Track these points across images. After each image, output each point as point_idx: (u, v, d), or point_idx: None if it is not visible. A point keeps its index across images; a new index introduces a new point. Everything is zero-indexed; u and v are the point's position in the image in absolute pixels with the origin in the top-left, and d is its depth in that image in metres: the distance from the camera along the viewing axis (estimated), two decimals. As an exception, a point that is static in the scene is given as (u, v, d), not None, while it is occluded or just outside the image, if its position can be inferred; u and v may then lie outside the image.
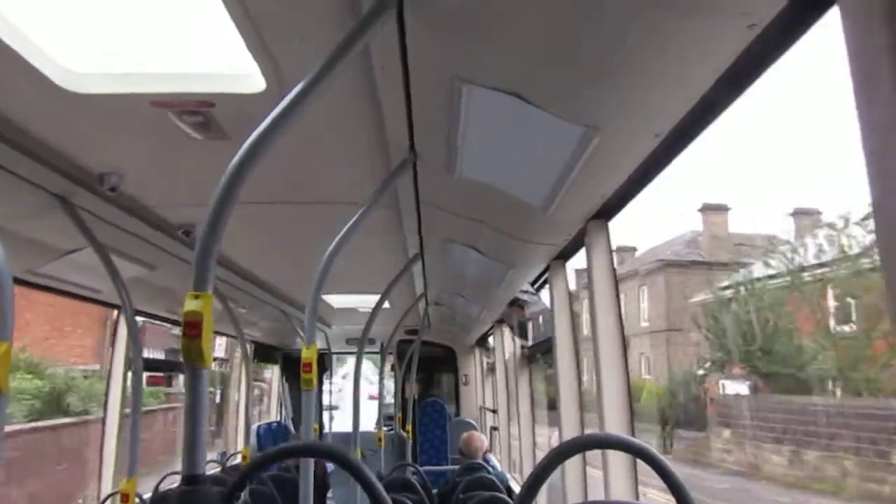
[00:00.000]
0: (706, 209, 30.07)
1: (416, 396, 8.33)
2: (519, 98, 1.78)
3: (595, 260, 2.75)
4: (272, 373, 9.89)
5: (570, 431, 3.49)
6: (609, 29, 1.47)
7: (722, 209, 30.01)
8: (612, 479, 2.51)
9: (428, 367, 9.38)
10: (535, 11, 1.48)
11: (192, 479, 1.36)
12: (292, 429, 9.04)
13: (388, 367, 9.12)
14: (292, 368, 9.28)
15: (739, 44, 1.41)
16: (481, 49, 1.67)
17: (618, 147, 1.95)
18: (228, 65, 2.04)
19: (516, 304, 5.38)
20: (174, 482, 5.41)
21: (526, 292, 5.00)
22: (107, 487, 4.67)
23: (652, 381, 26.92)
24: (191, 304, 1.41)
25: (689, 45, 1.45)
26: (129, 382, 4.84)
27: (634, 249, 34.01)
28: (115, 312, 4.99)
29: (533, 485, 1.40)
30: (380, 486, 1.38)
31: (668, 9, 1.33)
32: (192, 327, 1.39)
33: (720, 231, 29.52)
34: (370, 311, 4.22)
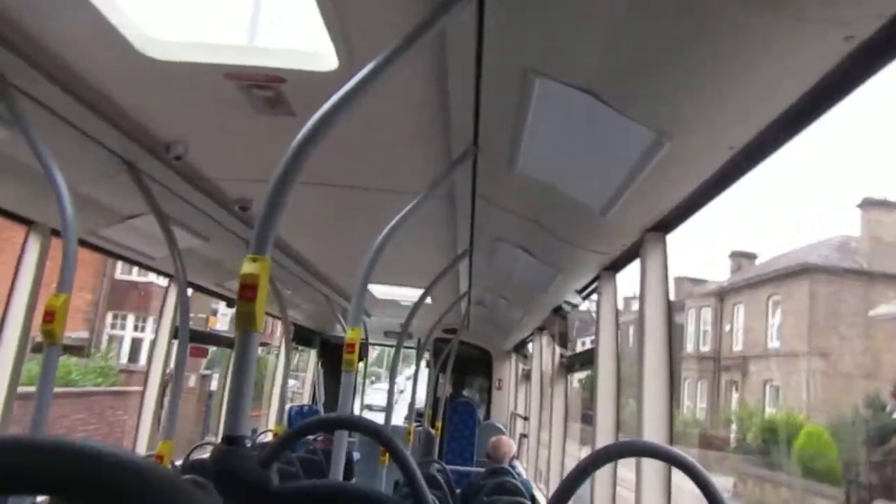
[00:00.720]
0: (869, 205, 23.05)
1: (448, 396, 8.32)
2: (592, 96, 1.75)
3: (649, 272, 2.68)
4: (308, 360, 10.00)
5: (604, 440, 3.43)
6: (694, 31, 1.42)
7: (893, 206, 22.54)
8: (646, 490, 2.45)
9: (462, 368, 9.36)
10: (619, 8, 1.45)
11: (232, 439, 1.37)
12: (322, 413, 9.12)
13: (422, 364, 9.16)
14: (329, 354, 9.38)
15: (833, 56, 1.35)
16: (559, 42, 1.64)
17: (688, 156, 1.90)
18: (303, 41, 2.07)
19: (560, 312, 5.31)
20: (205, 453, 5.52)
21: (570, 302, 4.94)
22: (141, 449, 4.79)
23: (800, 417, 20.55)
24: (248, 267, 1.43)
25: (778, 54, 1.40)
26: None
27: (754, 256, 28.39)
28: (165, 281, 5.11)
29: (572, 484, 1.37)
30: (413, 464, 1.37)
31: (759, 14, 1.28)
32: (248, 290, 1.40)
33: (888, 233, 22.27)
34: (411, 304, 4.23)
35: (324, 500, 1.32)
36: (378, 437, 1.43)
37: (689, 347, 28.11)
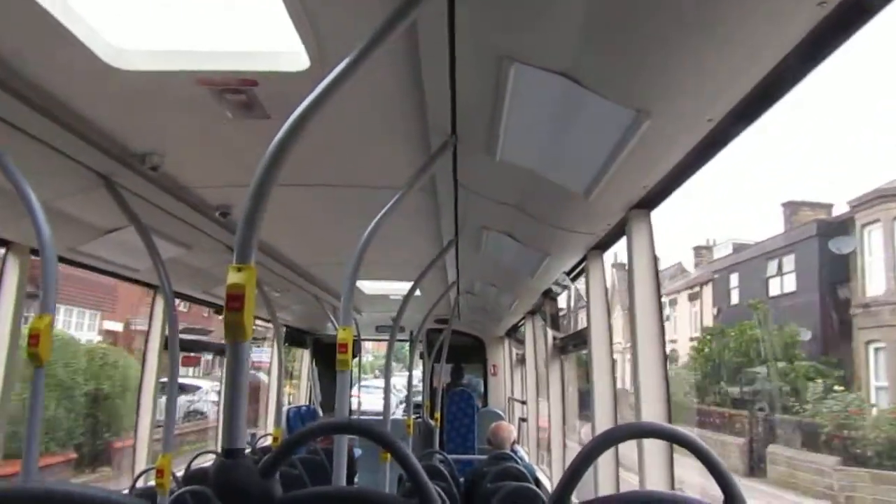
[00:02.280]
0: None
1: (444, 386, 8.34)
2: (568, 79, 1.74)
3: (636, 250, 2.69)
4: (302, 362, 9.97)
5: (603, 423, 3.45)
6: (666, 5, 1.41)
7: None
8: (648, 470, 2.46)
9: (456, 357, 9.37)
10: None
11: (231, 452, 1.35)
12: (320, 412, 9.11)
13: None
14: (322, 353, 9.36)
15: (806, 24, 1.35)
16: (532, 27, 1.63)
17: (668, 132, 1.90)
18: (273, 43, 2.03)
19: (549, 295, 5.32)
20: (207, 461, 5.49)
21: (559, 283, 4.95)
22: (141, 464, 4.75)
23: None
24: (233, 277, 1.41)
25: (751, 24, 1.39)
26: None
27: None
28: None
29: (577, 469, 1.37)
30: (418, 465, 1.36)
31: None
32: (235, 300, 1.39)
33: None
34: (401, 298, 4.21)
35: None
36: (377, 438, 1.42)
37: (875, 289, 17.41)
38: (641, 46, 1.57)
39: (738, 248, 27.04)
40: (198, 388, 18.52)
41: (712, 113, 1.75)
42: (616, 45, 1.60)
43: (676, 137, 1.95)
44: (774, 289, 22.82)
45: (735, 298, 25.38)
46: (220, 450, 1.41)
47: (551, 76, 1.76)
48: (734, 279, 25.81)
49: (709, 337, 23.68)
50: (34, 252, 3.38)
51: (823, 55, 1.44)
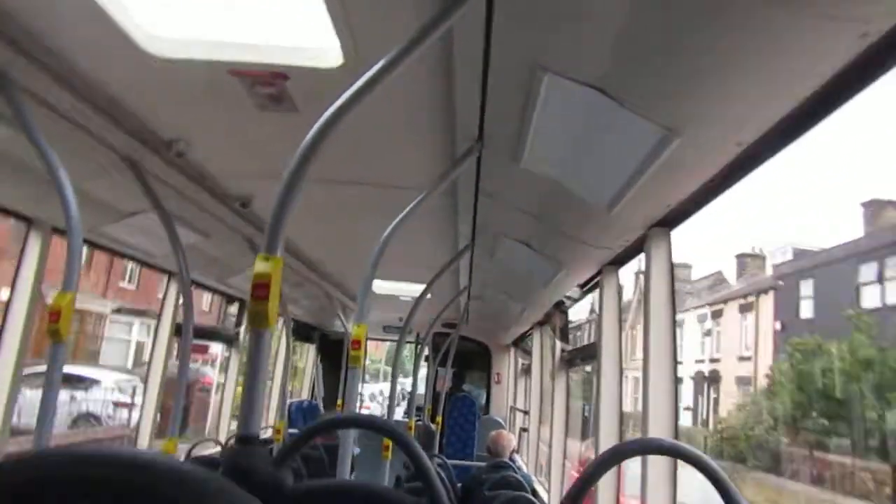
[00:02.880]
0: None
1: (447, 390, 8.33)
2: (600, 92, 1.74)
3: (654, 268, 2.68)
4: (307, 355, 10.00)
5: (608, 439, 3.43)
6: (705, 26, 1.42)
7: None
8: (651, 487, 2.45)
9: (461, 363, 9.37)
10: (628, 3, 1.44)
11: (246, 439, 1.36)
12: (322, 408, 9.13)
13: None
14: (328, 349, 9.37)
15: (846, 54, 1.34)
16: (568, 38, 1.64)
17: (695, 153, 1.90)
18: (308, 38, 2.05)
19: (560, 307, 5.32)
20: (207, 449, 5.51)
21: (571, 297, 4.94)
22: (143, 447, 4.78)
23: None
24: (261, 266, 1.43)
25: (790, 51, 1.39)
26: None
27: None
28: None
29: (585, 483, 1.37)
30: (427, 460, 1.37)
31: (774, 10, 1.28)
32: (261, 289, 1.40)
33: None
34: (410, 299, 4.22)
35: (337, 500, 1.32)
36: (394, 436, 1.43)
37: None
38: (676, 66, 1.57)
39: (799, 254, 23.61)
40: (95, 381, 15.20)
41: (741, 138, 1.75)
42: (651, 63, 1.61)
43: (703, 159, 1.94)
44: (872, 298, 18.41)
45: (808, 310, 21.43)
46: (222, 438, 1.42)
47: (583, 89, 1.77)
48: (806, 287, 21.69)
49: (798, 355, 18.57)
50: (56, 231, 3.41)
51: (861, 86, 1.43)
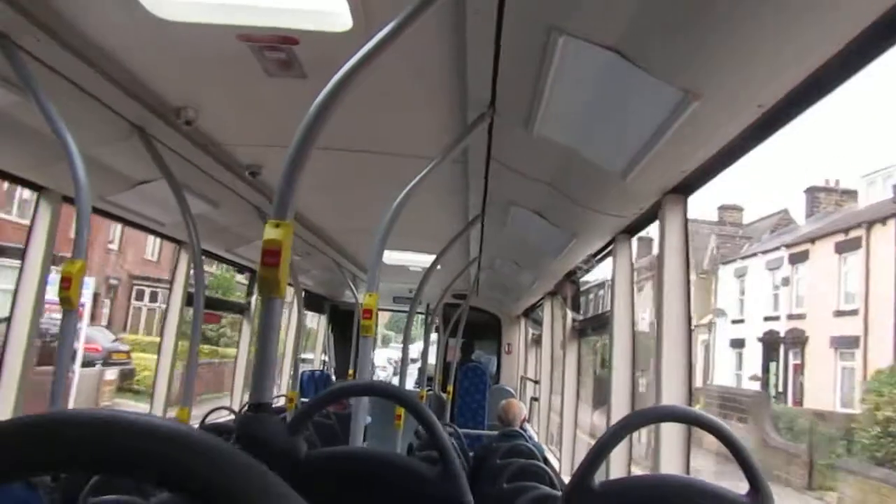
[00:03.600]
0: None
1: (458, 360, 8.37)
2: (617, 54, 1.69)
3: (668, 235, 2.64)
4: (318, 325, 10.06)
5: (620, 411, 3.43)
6: None
7: None
8: (665, 454, 2.45)
9: (472, 333, 9.40)
10: None
11: (259, 406, 1.36)
12: (334, 378, 9.21)
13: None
14: (339, 319, 9.43)
15: (871, 13, 1.29)
16: (585, -1, 1.59)
17: (715, 116, 1.85)
18: (316, 1, 2.01)
19: (572, 276, 5.29)
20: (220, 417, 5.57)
21: (582, 267, 4.91)
22: (158, 414, 4.84)
23: None
24: (271, 233, 1.41)
25: (813, 11, 1.34)
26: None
27: None
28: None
29: (603, 448, 1.36)
30: (444, 433, 1.36)
31: None
32: (271, 255, 1.38)
33: None
34: (420, 270, 4.21)
35: (352, 467, 1.32)
36: (408, 404, 1.42)
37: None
38: (696, 25, 1.52)
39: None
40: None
41: (763, 98, 1.70)
42: (670, 23, 1.56)
43: (722, 122, 1.89)
44: None
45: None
46: (235, 406, 1.42)
47: (599, 50, 1.72)
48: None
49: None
50: (66, 199, 3.41)
51: (887, 45, 1.38)
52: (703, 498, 1.30)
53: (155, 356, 5.10)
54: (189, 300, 4.64)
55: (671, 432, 2.43)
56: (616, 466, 3.32)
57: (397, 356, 15.61)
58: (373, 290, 2.65)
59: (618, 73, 1.78)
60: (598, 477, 1.38)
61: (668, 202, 2.62)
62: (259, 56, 2.27)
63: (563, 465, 5.77)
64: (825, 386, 18.13)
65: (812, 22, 1.40)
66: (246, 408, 1.48)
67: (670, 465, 2.40)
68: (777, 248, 22.12)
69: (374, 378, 12.44)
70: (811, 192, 23.25)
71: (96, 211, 3.81)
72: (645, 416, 1.47)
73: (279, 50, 2.22)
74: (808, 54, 1.51)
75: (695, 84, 1.68)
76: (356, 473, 1.30)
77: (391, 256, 6.39)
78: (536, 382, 8.16)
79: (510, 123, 2.50)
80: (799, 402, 19.05)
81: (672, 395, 2.44)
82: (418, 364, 9.27)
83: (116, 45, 2.26)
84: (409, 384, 10.21)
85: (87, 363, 15.00)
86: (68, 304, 2.20)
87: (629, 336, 3.43)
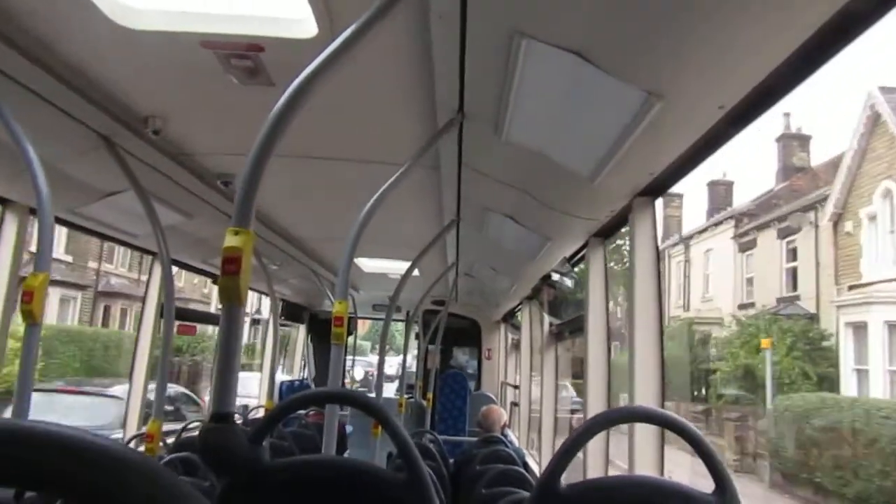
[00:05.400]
0: None
1: (437, 367, 8.36)
2: (579, 57, 1.70)
3: (638, 238, 2.67)
4: (297, 335, 10.00)
5: (596, 408, 3.44)
6: None
7: None
8: (639, 454, 2.46)
9: (452, 339, 9.39)
10: None
11: (220, 416, 1.34)
12: (314, 387, 9.14)
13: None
14: (318, 328, 9.37)
15: (826, 11, 1.32)
16: (546, 2, 1.60)
17: (678, 117, 1.87)
18: (281, 8, 2.00)
19: (548, 280, 5.31)
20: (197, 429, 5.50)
21: (558, 270, 4.93)
22: (131, 429, 4.77)
23: None
24: (231, 240, 1.39)
25: (770, 9, 1.36)
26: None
27: None
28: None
29: (568, 450, 1.36)
30: (406, 434, 1.35)
31: None
32: (231, 263, 1.37)
33: None
34: (398, 277, 4.20)
35: (315, 474, 1.30)
36: (368, 409, 1.41)
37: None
38: (656, 26, 1.53)
39: None
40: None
41: (724, 99, 1.72)
42: (631, 24, 1.57)
43: (687, 123, 1.92)
44: None
45: None
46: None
47: (563, 54, 1.73)
48: None
49: None
50: (33, 212, 3.35)
51: (844, 43, 1.41)
52: (667, 498, 1.30)
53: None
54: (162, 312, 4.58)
55: (645, 433, 2.44)
56: (594, 468, 3.33)
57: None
58: (344, 297, 2.63)
59: (582, 77, 1.79)
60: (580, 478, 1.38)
61: (637, 205, 2.65)
62: (225, 64, 2.25)
63: (543, 468, 5.78)
64: None
65: (768, 23, 1.42)
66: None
67: (644, 467, 2.41)
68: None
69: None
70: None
71: (65, 223, 3.76)
72: (611, 418, 1.47)
73: (245, 58, 2.20)
74: (765, 55, 1.53)
75: (657, 86, 1.70)
76: (319, 481, 1.28)
77: (370, 264, 6.38)
78: (516, 387, 8.17)
79: (480, 128, 2.51)
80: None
81: (644, 395, 2.45)
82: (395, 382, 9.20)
83: (80, 56, 2.24)
84: (390, 392, 10.19)
85: None
86: (31, 317, 2.16)
87: (603, 337, 3.45)
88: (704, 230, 24.29)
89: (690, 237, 25.04)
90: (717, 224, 23.17)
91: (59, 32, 2.09)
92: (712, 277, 23.32)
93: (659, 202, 2.70)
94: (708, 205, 25.98)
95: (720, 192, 25.66)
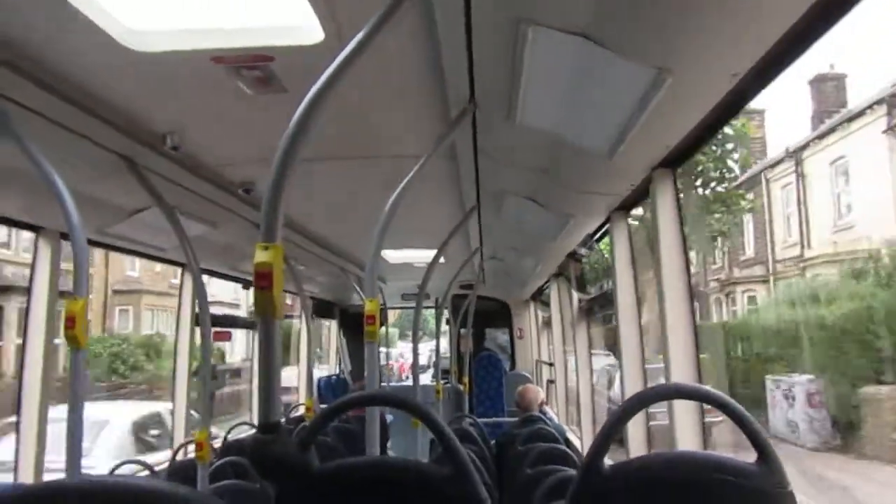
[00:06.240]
0: None
1: (471, 350, 8.40)
2: (586, 39, 1.70)
3: (661, 209, 2.66)
4: (330, 331, 10.11)
5: (632, 387, 3.45)
6: None
7: None
8: (680, 431, 2.47)
9: (483, 322, 9.42)
10: None
11: (267, 426, 1.38)
12: (350, 382, 9.25)
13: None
14: (350, 323, 9.46)
15: None
16: (548, -12, 1.59)
17: (690, 89, 1.86)
18: (286, 16, 2.02)
19: (574, 256, 5.30)
20: (242, 432, 5.62)
21: (584, 245, 4.92)
22: (179, 437, 4.89)
23: None
24: (261, 256, 1.42)
25: None
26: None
27: None
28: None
29: (608, 433, 1.38)
30: (449, 430, 1.38)
31: None
32: (263, 278, 1.40)
33: None
34: (424, 265, 4.23)
35: (366, 476, 1.34)
36: (410, 409, 1.44)
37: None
38: (659, 3, 1.53)
39: None
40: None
41: (736, 68, 1.71)
42: (633, 3, 1.56)
43: (699, 95, 1.91)
44: None
45: None
46: (255, 421, 1.44)
47: (569, 37, 1.73)
48: None
49: None
50: (63, 236, 3.44)
51: (851, 4, 1.39)
52: (712, 472, 1.32)
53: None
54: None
55: (685, 408, 2.45)
56: (635, 446, 3.34)
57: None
58: (373, 295, 2.67)
59: (591, 58, 1.79)
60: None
61: (657, 177, 2.63)
62: (237, 76, 2.28)
63: (585, 444, 5.80)
64: None
65: None
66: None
67: (686, 443, 2.42)
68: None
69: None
70: None
71: (96, 244, 3.84)
72: (647, 397, 1.49)
73: (255, 68, 2.23)
74: (775, 20, 1.52)
75: (666, 61, 1.69)
76: (368, 482, 1.32)
77: (395, 255, 6.42)
78: (551, 365, 8.18)
79: (492, 115, 2.51)
80: None
81: (680, 372, 2.46)
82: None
83: (95, 82, 2.28)
84: (427, 379, 10.27)
85: None
86: (75, 342, 2.23)
87: (634, 312, 3.44)
88: (827, 133, 16.87)
89: (803, 147, 18.17)
90: (849, 119, 15.76)
91: (73, 61, 2.14)
92: (849, 195, 16.10)
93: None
94: (814, 106, 19.23)
95: (827, 91, 19.13)
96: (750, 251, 20.78)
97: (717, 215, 18.25)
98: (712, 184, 17.86)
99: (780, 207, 19.05)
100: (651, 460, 1.54)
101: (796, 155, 18.50)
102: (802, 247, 17.61)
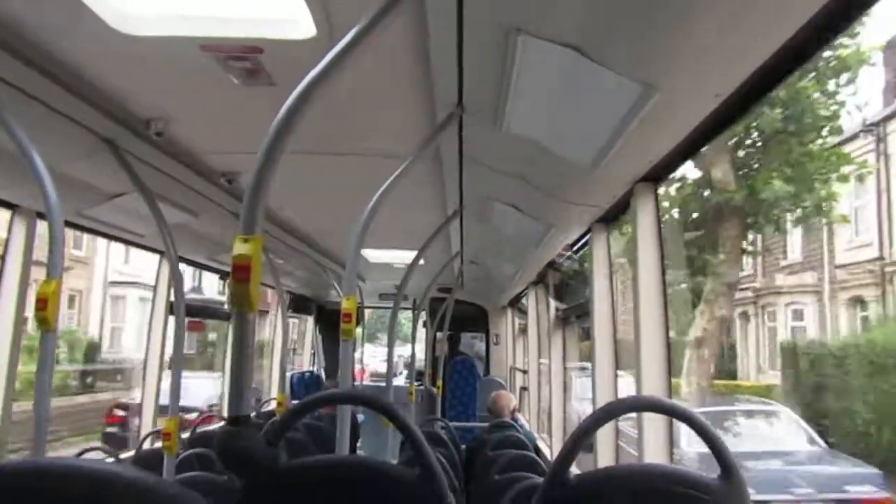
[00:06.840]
0: None
1: (446, 354, 8.40)
2: (577, 51, 1.72)
3: (641, 222, 2.68)
4: (305, 327, 10.06)
5: (603, 397, 3.48)
6: None
7: None
8: (647, 443, 2.49)
9: (459, 326, 9.42)
10: None
11: (235, 420, 1.37)
12: (324, 378, 9.21)
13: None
14: (326, 320, 9.42)
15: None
16: (541, -2, 1.61)
17: (675, 107, 1.88)
18: (279, 10, 2.02)
19: (553, 265, 5.33)
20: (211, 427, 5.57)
21: (563, 254, 4.95)
22: (147, 426, 4.83)
23: None
24: (240, 248, 1.42)
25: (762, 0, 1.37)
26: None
27: None
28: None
29: (576, 442, 1.39)
30: (419, 433, 1.39)
31: None
32: (241, 271, 1.40)
33: None
34: (404, 266, 4.23)
35: (333, 474, 1.34)
36: (380, 408, 1.44)
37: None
38: (651, 20, 1.55)
39: None
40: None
41: (720, 88, 1.74)
42: (625, 19, 1.58)
43: (684, 112, 1.93)
44: None
45: None
46: (225, 413, 1.43)
47: (560, 49, 1.74)
48: None
49: None
50: (40, 216, 3.39)
51: (837, 31, 1.42)
52: (675, 484, 1.33)
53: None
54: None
55: (653, 421, 2.47)
56: (603, 457, 3.36)
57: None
58: (351, 293, 2.66)
59: (580, 70, 1.81)
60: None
61: (639, 191, 2.66)
62: (225, 66, 2.27)
63: (555, 453, 5.83)
64: None
65: (761, 13, 1.43)
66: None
67: (653, 454, 2.44)
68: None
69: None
70: None
71: (73, 225, 3.79)
72: (616, 409, 1.50)
73: (244, 59, 2.22)
74: (761, 43, 1.54)
75: (653, 78, 1.71)
76: (334, 481, 1.32)
77: (375, 255, 6.41)
78: (525, 372, 8.21)
79: (479, 121, 2.52)
80: None
81: (651, 384, 2.48)
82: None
83: (82, 62, 2.26)
84: (401, 381, 10.25)
85: None
86: (46, 324, 2.20)
87: (609, 323, 3.47)
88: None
89: (889, 118, 13.57)
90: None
91: (61, 40, 2.11)
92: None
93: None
94: (887, 77, 15.02)
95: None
96: (795, 254, 16.79)
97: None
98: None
99: (848, 198, 14.25)
100: (617, 471, 1.56)
101: (875, 128, 13.79)
102: (882, 247, 13.88)
